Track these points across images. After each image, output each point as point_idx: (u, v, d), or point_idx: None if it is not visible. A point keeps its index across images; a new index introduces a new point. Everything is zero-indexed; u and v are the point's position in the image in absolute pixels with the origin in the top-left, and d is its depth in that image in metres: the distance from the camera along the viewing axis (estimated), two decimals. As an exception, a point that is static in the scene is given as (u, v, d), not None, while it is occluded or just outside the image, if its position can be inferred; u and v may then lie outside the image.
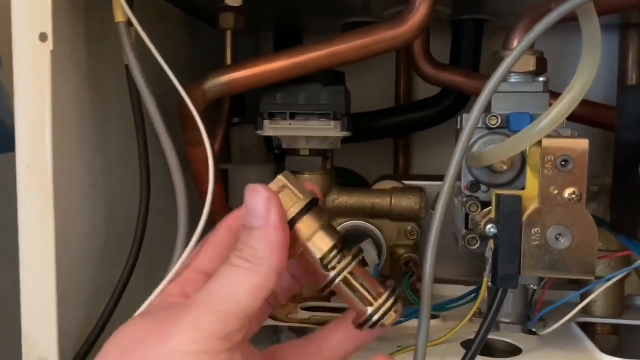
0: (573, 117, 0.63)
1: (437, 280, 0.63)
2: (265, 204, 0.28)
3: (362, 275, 0.31)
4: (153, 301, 0.32)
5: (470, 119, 0.41)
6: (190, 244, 0.39)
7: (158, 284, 0.38)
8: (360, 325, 0.32)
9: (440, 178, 0.41)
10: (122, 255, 0.44)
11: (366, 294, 0.31)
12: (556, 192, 0.41)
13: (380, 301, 0.31)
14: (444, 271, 0.66)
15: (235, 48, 0.60)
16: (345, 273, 0.31)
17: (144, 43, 0.42)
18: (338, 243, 0.31)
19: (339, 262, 0.30)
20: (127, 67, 0.43)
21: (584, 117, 0.64)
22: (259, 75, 0.51)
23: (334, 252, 0.30)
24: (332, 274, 0.30)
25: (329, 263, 0.30)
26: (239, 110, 0.72)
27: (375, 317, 0.31)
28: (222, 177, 0.73)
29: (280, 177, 0.31)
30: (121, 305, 0.44)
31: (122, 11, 0.41)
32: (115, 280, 0.43)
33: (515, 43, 0.54)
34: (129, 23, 0.41)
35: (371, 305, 0.31)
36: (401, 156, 0.80)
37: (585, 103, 0.64)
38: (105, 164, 0.47)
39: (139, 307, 0.35)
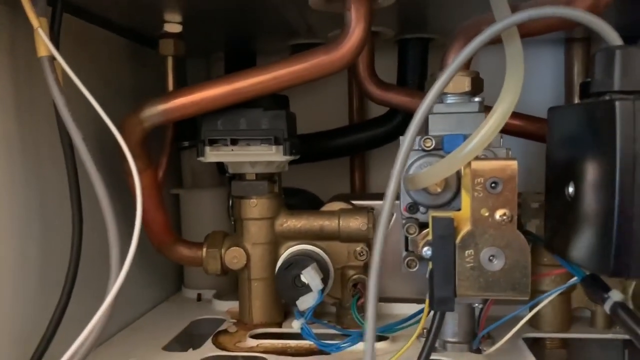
0: (520, 133, 0.65)
1: (390, 299, 0.64)
2: None
3: None
4: None
5: (404, 141, 0.41)
6: (121, 273, 0.39)
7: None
8: None
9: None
10: (57, 295, 0.44)
11: None
12: (487, 214, 0.41)
13: None
14: (398, 289, 0.66)
15: (177, 74, 0.60)
16: None
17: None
18: None
19: None
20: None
21: (530, 132, 0.65)
22: (196, 104, 0.51)
23: None
24: None
25: None
26: (189, 134, 0.72)
27: None
28: (174, 202, 0.73)
29: None
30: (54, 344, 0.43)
31: (44, 46, 0.40)
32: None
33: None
34: (52, 57, 0.40)
35: None
36: (357, 174, 0.80)
37: (531, 119, 0.65)
38: (40, 201, 0.46)
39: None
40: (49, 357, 0.43)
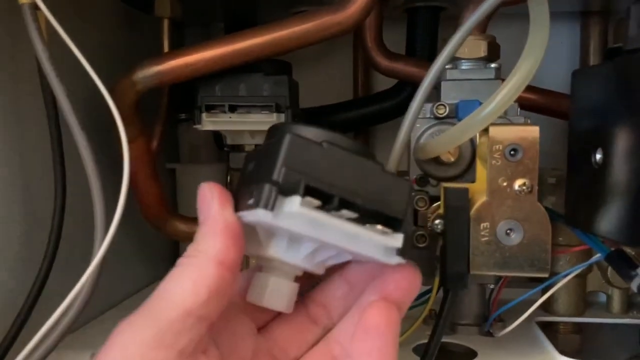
0: (534, 107, 0.61)
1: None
2: (207, 196, 0.26)
3: None
4: None
5: (412, 106, 0.38)
6: (104, 242, 0.36)
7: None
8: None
9: (401, 173, 0.38)
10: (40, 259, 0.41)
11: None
12: (505, 183, 0.38)
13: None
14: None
15: (173, 38, 0.56)
16: None
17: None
18: None
19: None
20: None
21: (545, 107, 0.61)
22: (192, 65, 0.47)
23: None
24: None
25: None
26: (187, 106, 0.68)
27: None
28: (170, 176, 0.69)
29: None
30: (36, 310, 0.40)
31: (25, -8, 0.37)
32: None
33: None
34: (35, 5, 0.37)
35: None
36: (361, 152, 0.77)
37: (546, 93, 0.61)
38: (22, 164, 0.43)
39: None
40: (28, 331, 0.40)
